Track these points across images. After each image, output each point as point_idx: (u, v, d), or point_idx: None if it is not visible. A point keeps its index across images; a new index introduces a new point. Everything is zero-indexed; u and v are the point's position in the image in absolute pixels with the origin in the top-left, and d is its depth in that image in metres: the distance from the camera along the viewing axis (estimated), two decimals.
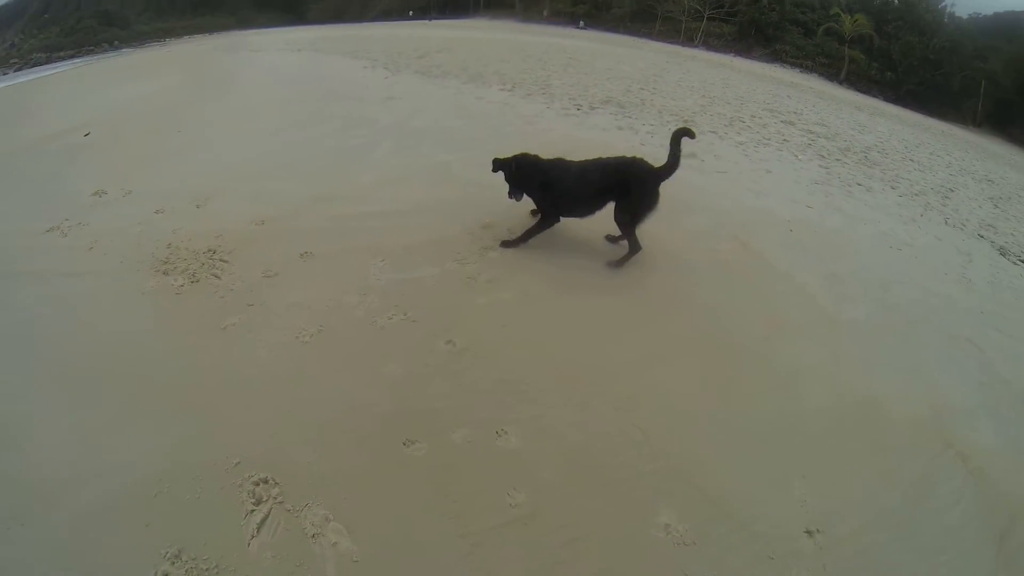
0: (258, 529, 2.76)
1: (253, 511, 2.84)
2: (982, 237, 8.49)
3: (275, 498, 2.91)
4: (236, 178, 6.81)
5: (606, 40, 34.85)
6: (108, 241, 5.26)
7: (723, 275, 5.42)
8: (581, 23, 45.51)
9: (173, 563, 2.59)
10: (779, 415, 3.85)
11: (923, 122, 29.76)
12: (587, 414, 3.63)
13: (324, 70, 15.72)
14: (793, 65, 41.17)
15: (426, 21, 45.72)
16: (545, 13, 48.34)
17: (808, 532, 3.09)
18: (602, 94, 13.38)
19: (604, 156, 5.25)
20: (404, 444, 3.28)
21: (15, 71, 36.10)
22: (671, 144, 4.94)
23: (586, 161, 5.20)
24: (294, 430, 3.33)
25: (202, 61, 19.49)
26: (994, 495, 3.60)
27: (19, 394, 3.55)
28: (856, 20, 42.30)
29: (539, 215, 5.36)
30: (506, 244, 5.41)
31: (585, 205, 5.22)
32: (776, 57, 41.71)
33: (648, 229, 5.15)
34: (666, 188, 5.03)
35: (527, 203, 5.37)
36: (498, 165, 5.29)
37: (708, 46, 43.24)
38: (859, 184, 9.51)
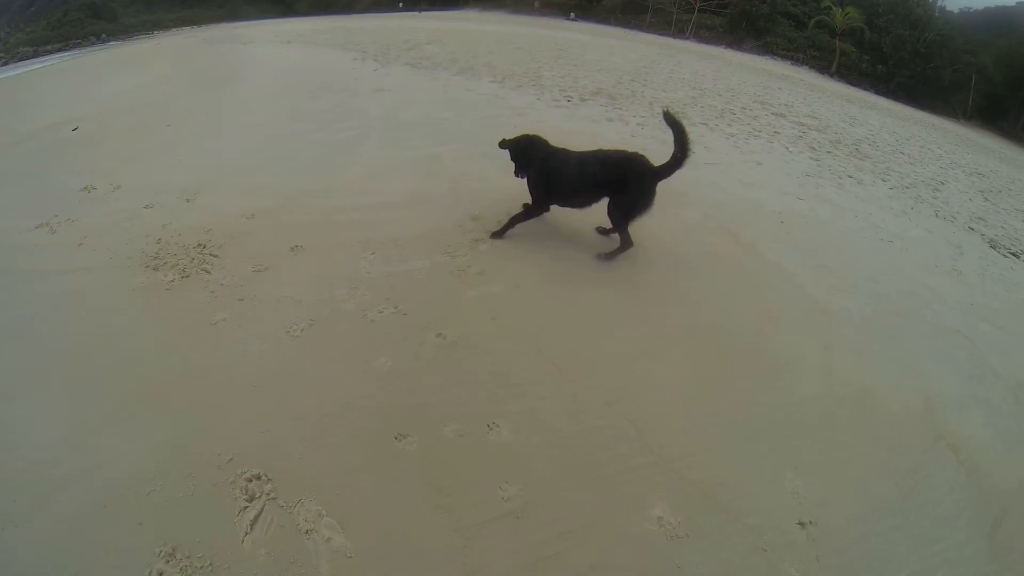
0: (251, 526, 2.75)
1: (246, 508, 2.83)
2: (972, 230, 8.53)
3: (268, 494, 2.91)
4: (225, 172, 6.78)
5: (597, 32, 34.80)
6: (97, 237, 5.23)
7: (714, 267, 5.43)
8: (572, 15, 45.34)
9: (167, 561, 2.58)
10: (771, 407, 3.86)
11: (914, 115, 29.82)
12: (579, 407, 3.62)
13: (314, 62, 15.62)
14: (784, 57, 41.13)
15: (416, 13, 45.48)
16: (536, 4, 48.13)
17: (801, 524, 3.10)
18: (592, 86, 13.36)
19: (605, 148, 5.23)
20: (396, 438, 3.28)
21: (1, 65, 35.80)
22: (675, 137, 4.82)
23: (586, 152, 5.18)
24: (286, 425, 3.32)
25: (191, 54, 19.34)
26: (986, 486, 3.62)
27: (9, 393, 3.52)
28: (847, 13, 42.29)
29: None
30: (495, 235, 5.42)
31: (581, 196, 5.20)
32: (767, 49, 41.66)
33: (639, 221, 5.14)
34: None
35: (519, 196, 5.35)
36: (506, 144, 5.24)
37: (699, 38, 43.12)
38: (850, 176, 9.54)
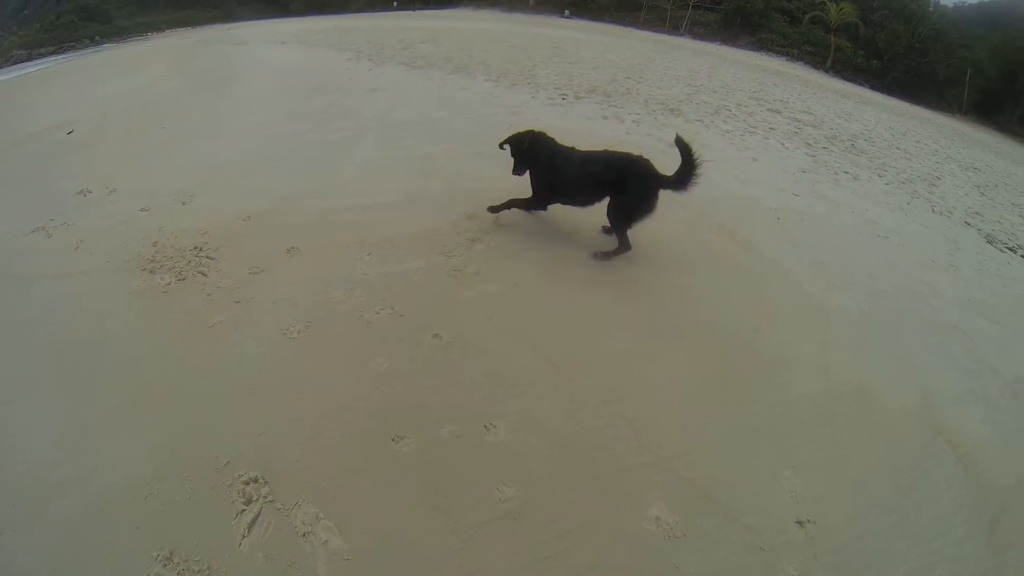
0: (249, 529, 2.74)
1: (244, 511, 2.82)
2: (969, 225, 8.55)
3: (265, 497, 2.90)
4: (221, 174, 6.77)
5: (591, 29, 34.77)
6: (94, 241, 5.21)
7: (711, 265, 5.43)
8: (566, 12, 45.24)
9: (165, 565, 2.57)
10: (768, 405, 3.87)
11: (909, 110, 29.87)
12: (576, 407, 3.62)
13: (308, 63, 15.59)
14: (779, 53, 41.14)
15: (410, 12, 45.40)
16: (531, 2, 48.09)
17: (799, 522, 3.10)
18: (587, 83, 13.37)
19: (611, 149, 5.22)
20: (393, 440, 3.27)
21: None
22: (682, 159, 4.83)
23: (592, 151, 5.18)
24: (283, 427, 3.31)
25: (185, 55, 19.30)
26: (984, 482, 3.63)
27: (6, 398, 3.51)
28: (842, 8, 42.29)
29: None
30: (491, 208, 5.47)
31: (583, 194, 5.21)
32: (762, 45, 41.66)
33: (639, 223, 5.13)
34: None
35: (515, 194, 5.34)
36: (511, 139, 5.22)
37: (694, 34, 43.15)
38: (846, 172, 9.55)
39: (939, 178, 11.43)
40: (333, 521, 2.82)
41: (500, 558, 2.74)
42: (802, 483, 3.32)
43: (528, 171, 5.23)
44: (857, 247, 6.50)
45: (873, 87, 38.28)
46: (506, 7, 47.25)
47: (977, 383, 4.61)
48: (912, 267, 6.34)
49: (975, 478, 3.64)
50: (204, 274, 4.69)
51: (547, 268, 4.98)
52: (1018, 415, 4.36)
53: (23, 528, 2.74)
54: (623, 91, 12.93)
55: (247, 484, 2.94)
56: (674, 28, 44.15)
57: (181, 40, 27.82)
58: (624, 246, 5.14)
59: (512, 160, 5.22)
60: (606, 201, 5.17)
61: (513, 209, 5.43)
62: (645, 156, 5.07)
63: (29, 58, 37.17)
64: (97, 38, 40.37)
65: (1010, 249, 7.91)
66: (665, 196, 4.92)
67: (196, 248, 5.03)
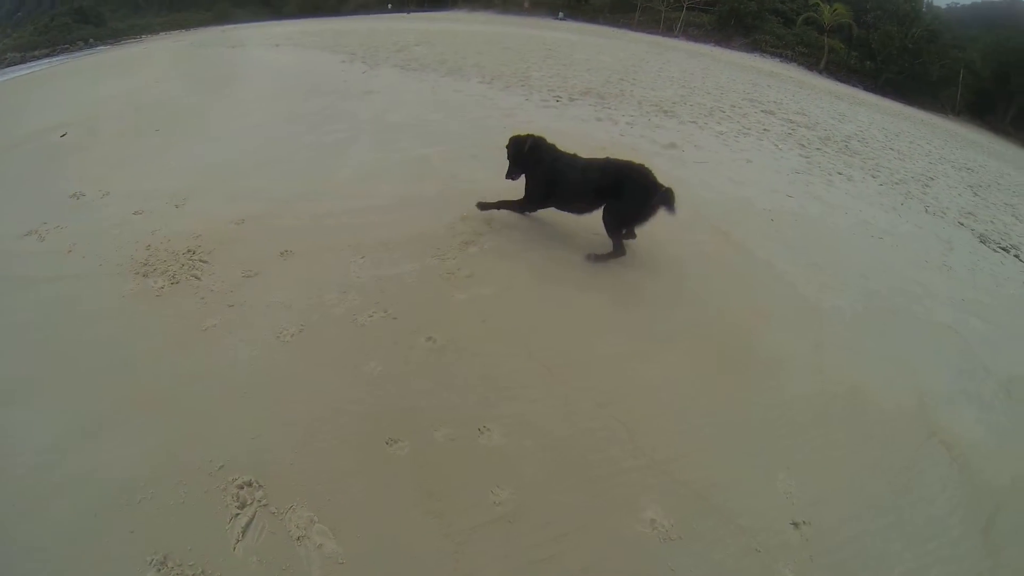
0: (243, 533, 2.73)
1: (238, 515, 2.81)
2: (962, 225, 8.58)
3: (259, 501, 2.89)
4: (215, 177, 6.75)
5: (585, 31, 34.88)
6: (87, 244, 5.19)
7: (705, 266, 5.44)
8: (560, 14, 45.36)
9: (159, 570, 2.56)
10: (763, 406, 3.87)
11: (902, 111, 30.00)
12: (570, 409, 3.61)
13: (303, 65, 15.55)
14: (773, 55, 41.29)
15: (404, 14, 45.39)
16: (525, 4, 48.14)
17: (794, 524, 3.10)
18: (581, 85, 13.39)
19: (611, 157, 5.22)
20: (387, 443, 3.26)
21: None
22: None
23: (592, 159, 5.18)
24: (277, 431, 3.30)
25: (180, 58, 19.23)
26: (978, 483, 3.64)
27: (6, 399, 3.49)
28: (835, 9, 42.45)
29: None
30: (480, 205, 5.48)
31: (581, 202, 5.21)
32: (756, 47, 41.81)
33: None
34: None
35: (508, 197, 5.34)
36: (510, 142, 5.21)
37: (688, 36, 43.28)
38: (839, 173, 9.58)
39: (932, 179, 11.47)
40: (327, 525, 2.81)
41: (494, 561, 2.74)
42: (797, 484, 3.32)
43: (523, 175, 5.21)
44: (851, 248, 6.52)
45: (867, 88, 38.45)
46: (501, 9, 47.42)
47: (971, 383, 4.62)
48: (906, 268, 6.35)
49: (970, 478, 3.65)
50: (197, 277, 4.68)
51: (541, 270, 4.98)
52: (1012, 415, 4.37)
53: (17, 533, 2.73)
54: (617, 93, 12.94)
55: (241, 488, 2.93)
56: (668, 30, 44.34)
57: (175, 43, 27.69)
58: (618, 250, 5.13)
59: (507, 163, 5.21)
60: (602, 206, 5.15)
61: (504, 211, 5.43)
62: (646, 165, 5.06)
63: (23, 60, 37.00)
64: (91, 40, 40.21)
65: (1003, 249, 7.94)
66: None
67: (189, 251, 5.01)
